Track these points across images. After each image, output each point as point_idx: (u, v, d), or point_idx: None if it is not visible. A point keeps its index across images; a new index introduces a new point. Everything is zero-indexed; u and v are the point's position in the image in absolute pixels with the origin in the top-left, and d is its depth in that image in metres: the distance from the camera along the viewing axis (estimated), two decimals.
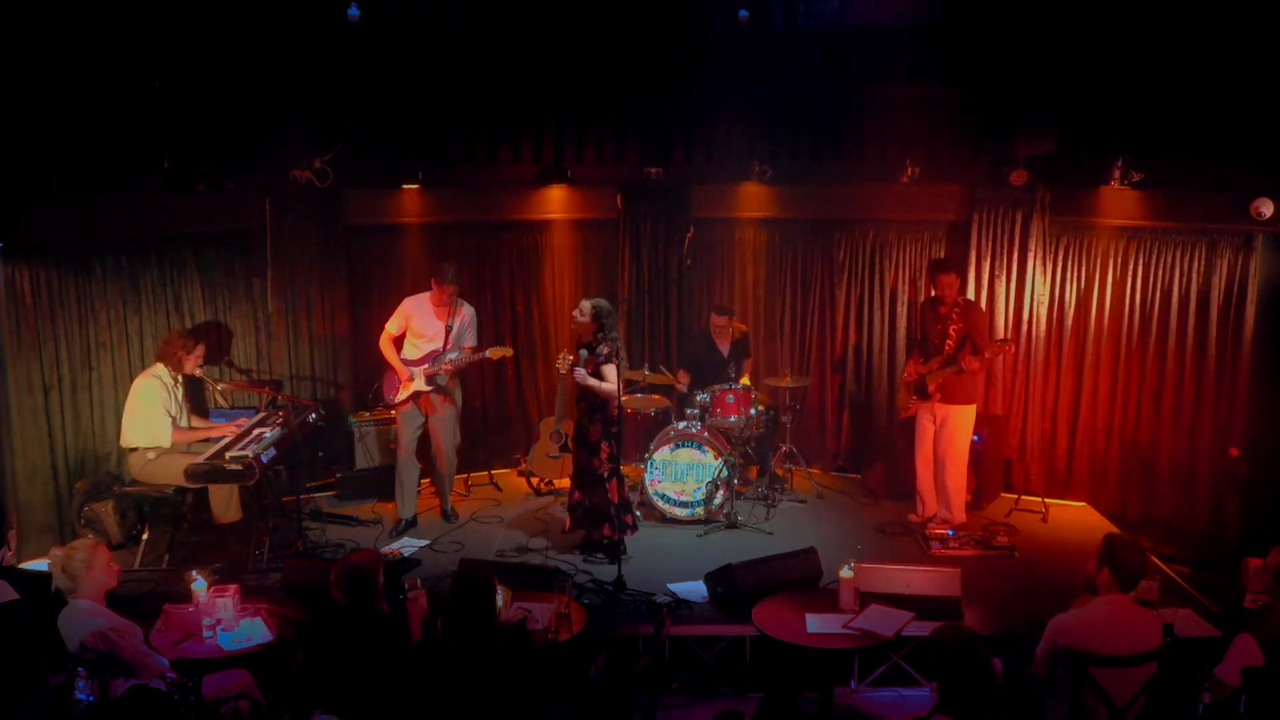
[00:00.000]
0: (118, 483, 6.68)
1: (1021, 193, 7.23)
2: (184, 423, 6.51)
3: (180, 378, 6.53)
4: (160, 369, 6.42)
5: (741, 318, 8.04)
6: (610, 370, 6.14)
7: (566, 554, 6.47)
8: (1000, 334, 7.32)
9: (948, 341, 6.59)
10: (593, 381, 6.14)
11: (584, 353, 6.25)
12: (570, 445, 6.51)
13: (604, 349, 6.16)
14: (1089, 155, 6.98)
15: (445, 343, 6.78)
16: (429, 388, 6.80)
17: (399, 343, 6.92)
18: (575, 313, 6.29)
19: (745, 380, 7.53)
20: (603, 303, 6.28)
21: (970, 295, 7.26)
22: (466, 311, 6.90)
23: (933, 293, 6.80)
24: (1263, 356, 6.55)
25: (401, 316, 6.88)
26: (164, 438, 6.32)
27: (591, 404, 6.25)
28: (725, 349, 7.57)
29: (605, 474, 6.28)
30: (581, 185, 7.89)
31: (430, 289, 6.82)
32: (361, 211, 7.72)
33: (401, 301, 6.94)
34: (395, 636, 4.23)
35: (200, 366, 7.06)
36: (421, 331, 6.83)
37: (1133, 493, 7.21)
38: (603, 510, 6.29)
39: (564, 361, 6.53)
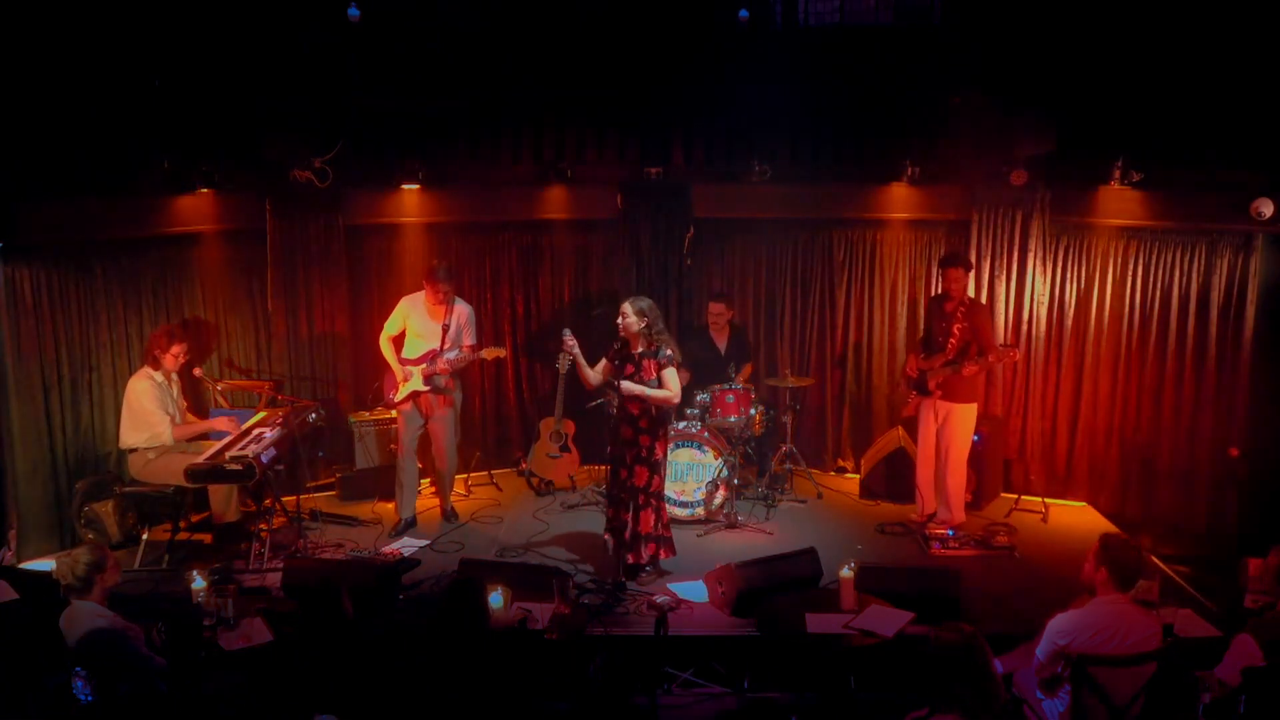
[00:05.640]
0: (118, 482, 6.68)
1: (1021, 193, 7.22)
2: (179, 421, 6.49)
3: (174, 376, 6.53)
4: (148, 369, 6.42)
5: (741, 317, 8.05)
6: (673, 374, 5.80)
7: (557, 557, 6.45)
8: (1002, 335, 7.32)
9: (951, 340, 6.59)
10: (656, 393, 5.75)
11: (641, 362, 5.80)
12: (612, 454, 6.06)
13: (668, 351, 5.77)
14: (1089, 155, 6.98)
15: (442, 342, 6.77)
16: (426, 388, 6.80)
17: (399, 342, 6.92)
18: (619, 318, 5.85)
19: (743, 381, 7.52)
20: (643, 301, 5.86)
21: (970, 295, 7.26)
22: (463, 310, 6.90)
23: (940, 288, 6.79)
24: (1263, 356, 6.55)
25: (399, 316, 6.87)
26: (165, 435, 6.32)
27: (652, 418, 5.86)
28: (723, 346, 7.57)
29: (662, 493, 6.06)
30: (581, 185, 7.88)
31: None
32: (361, 211, 7.71)
33: (399, 301, 6.94)
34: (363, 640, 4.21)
35: (198, 366, 7.08)
36: (420, 331, 6.83)
37: (1133, 493, 7.21)
38: (648, 533, 5.98)
39: (564, 361, 6.52)
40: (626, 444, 5.95)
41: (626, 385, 5.78)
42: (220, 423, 6.58)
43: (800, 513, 7.29)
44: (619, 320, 5.86)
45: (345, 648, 4.84)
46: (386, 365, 6.96)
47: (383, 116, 7.57)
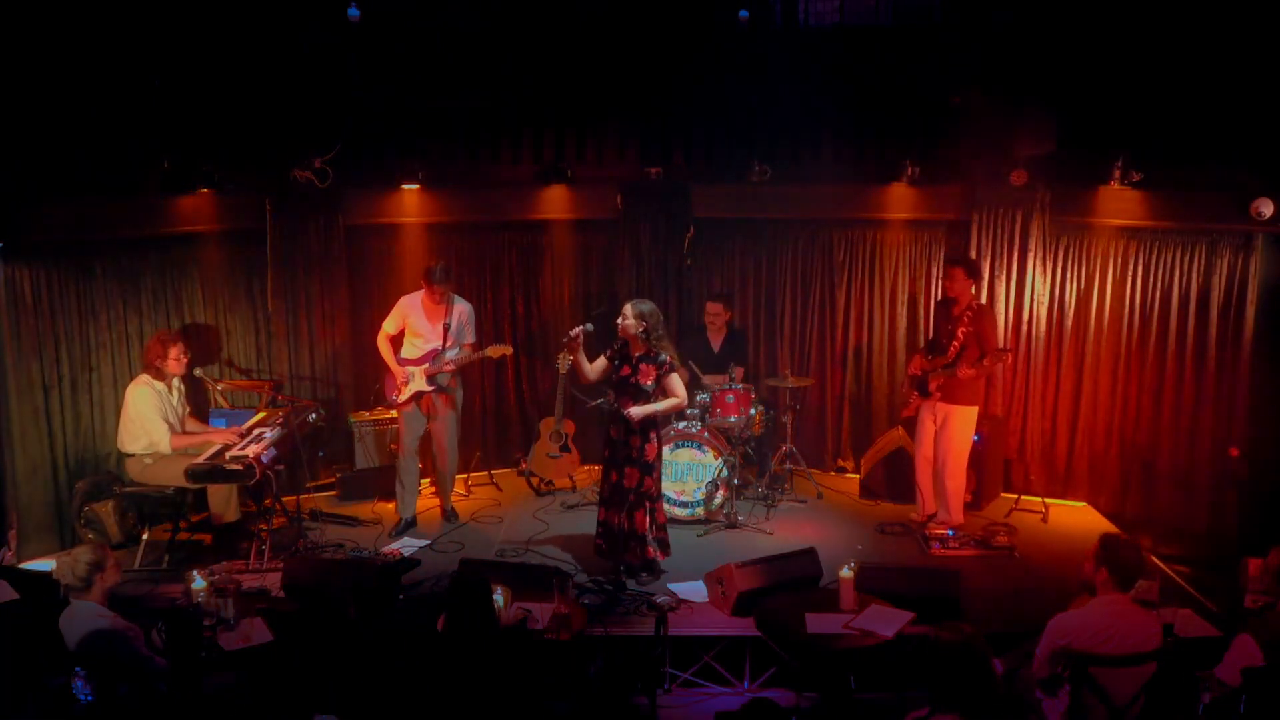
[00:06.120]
0: (118, 483, 6.67)
1: (1021, 193, 7.22)
2: (179, 429, 6.45)
3: (175, 382, 6.50)
4: (147, 377, 6.38)
5: (741, 318, 8.05)
6: (676, 380, 5.84)
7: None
8: (1002, 336, 7.32)
9: (954, 343, 6.59)
10: (665, 405, 5.84)
11: (638, 364, 5.81)
12: (605, 456, 6.06)
13: (666, 357, 5.78)
14: (1089, 155, 6.97)
15: (444, 341, 6.77)
16: (430, 387, 6.80)
17: (397, 342, 6.91)
18: (619, 319, 5.86)
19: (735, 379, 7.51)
20: (645, 304, 5.86)
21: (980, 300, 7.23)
22: (463, 308, 6.89)
23: (947, 293, 6.78)
24: (1263, 356, 6.55)
25: (398, 315, 6.87)
26: (163, 444, 6.30)
27: (645, 420, 5.84)
28: (718, 346, 7.57)
29: (656, 494, 6.03)
30: (581, 185, 7.88)
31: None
32: (361, 211, 7.71)
33: (398, 300, 6.93)
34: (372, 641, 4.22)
35: (198, 367, 7.06)
36: (419, 331, 6.82)
37: (1133, 493, 7.21)
38: (637, 534, 5.96)
39: (564, 361, 6.51)
40: (618, 445, 5.95)
41: (635, 411, 5.77)
42: (221, 433, 6.53)
43: (800, 513, 7.29)
44: (618, 320, 5.87)
45: (345, 648, 4.85)
46: (387, 365, 6.95)
47: (383, 116, 7.56)
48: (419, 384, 6.78)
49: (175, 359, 6.39)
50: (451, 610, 4.11)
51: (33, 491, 6.53)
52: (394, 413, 7.13)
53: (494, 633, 4.15)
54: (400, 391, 6.82)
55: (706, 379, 7.28)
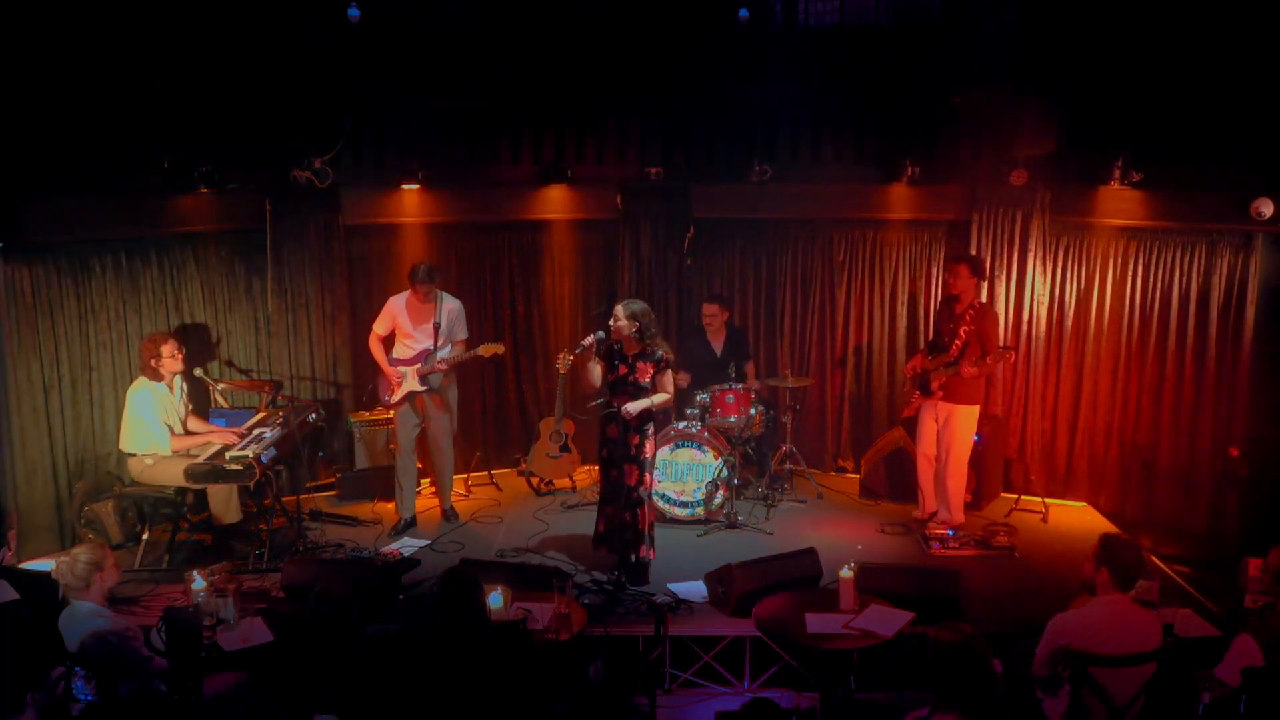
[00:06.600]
0: (118, 483, 6.68)
1: (1021, 193, 7.23)
2: (180, 430, 6.41)
3: (175, 380, 6.49)
4: (145, 380, 6.35)
5: (741, 318, 8.04)
6: (669, 377, 5.94)
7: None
8: (1002, 336, 7.32)
9: (956, 342, 6.59)
10: (658, 400, 5.91)
11: (634, 363, 5.88)
12: (603, 456, 6.11)
13: (662, 354, 5.88)
14: (1089, 155, 6.98)
15: (436, 340, 6.77)
16: (422, 387, 6.79)
17: (388, 343, 6.91)
18: (611, 320, 5.93)
19: (751, 382, 7.51)
20: (636, 304, 5.93)
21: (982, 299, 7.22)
22: (452, 305, 6.89)
23: (950, 290, 6.79)
24: (1263, 356, 6.56)
25: (387, 317, 6.85)
26: (163, 447, 6.29)
27: (643, 417, 5.93)
28: (718, 348, 7.57)
29: (651, 492, 6.08)
30: (581, 185, 7.88)
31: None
32: (361, 211, 7.70)
33: (387, 301, 6.93)
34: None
35: (197, 367, 7.06)
36: (409, 331, 6.81)
37: (1133, 493, 7.21)
38: (639, 530, 6.01)
39: (564, 361, 6.51)
40: (616, 444, 5.98)
41: (631, 406, 5.83)
42: (221, 433, 6.53)
43: (800, 513, 7.29)
44: (610, 322, 5.91)
45: (345, 648, 4.84)
46: (380, 366, 6.94)
47: (383, 116, 7.57)
48: (411, 384, 6.78)
49: (170, 356, 6.33)
50: (442, 608, 4.11)
51: (33, 491, 6.53)
52: (391, 413, 7.13)
53: (486, 629, 4.15)
54: (394, 391, 6.82)
55: (714, 386, 7.25)
